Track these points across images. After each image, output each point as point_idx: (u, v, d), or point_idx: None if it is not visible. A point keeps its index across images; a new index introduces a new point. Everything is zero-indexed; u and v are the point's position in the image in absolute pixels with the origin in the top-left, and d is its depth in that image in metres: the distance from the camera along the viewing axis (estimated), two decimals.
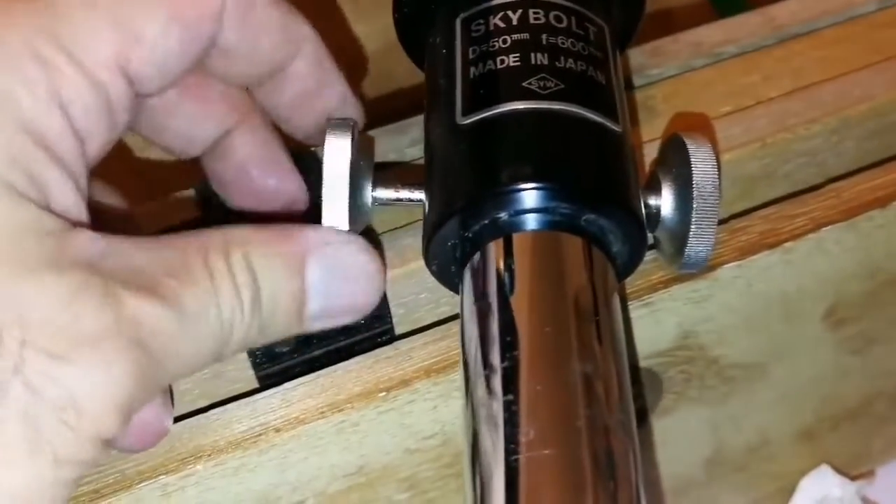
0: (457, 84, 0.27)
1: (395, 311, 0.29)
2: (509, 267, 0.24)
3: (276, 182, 0.28)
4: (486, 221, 0.25)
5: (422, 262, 0.27)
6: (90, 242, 0.21)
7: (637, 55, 0.35)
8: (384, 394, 0.26)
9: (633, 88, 0.34)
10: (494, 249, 0.25)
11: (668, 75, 0.35)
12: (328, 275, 0.25)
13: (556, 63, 0.26)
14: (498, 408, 0.22)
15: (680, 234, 0.27)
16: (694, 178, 0.26)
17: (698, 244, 0.26)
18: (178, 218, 0.30)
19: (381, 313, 0.28)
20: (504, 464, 0.21)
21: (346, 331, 0.28)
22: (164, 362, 0.22)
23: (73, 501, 0.25)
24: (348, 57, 0.40)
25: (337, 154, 0.26)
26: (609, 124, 0.26)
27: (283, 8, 0.26)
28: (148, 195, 0.32)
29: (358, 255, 0.25)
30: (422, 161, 0.29)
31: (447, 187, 0.26)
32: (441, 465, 0.29)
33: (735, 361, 0.33)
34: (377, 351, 0.27)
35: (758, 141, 0.31)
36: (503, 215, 0.25)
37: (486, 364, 0.23)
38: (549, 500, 0.21)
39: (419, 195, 0.27)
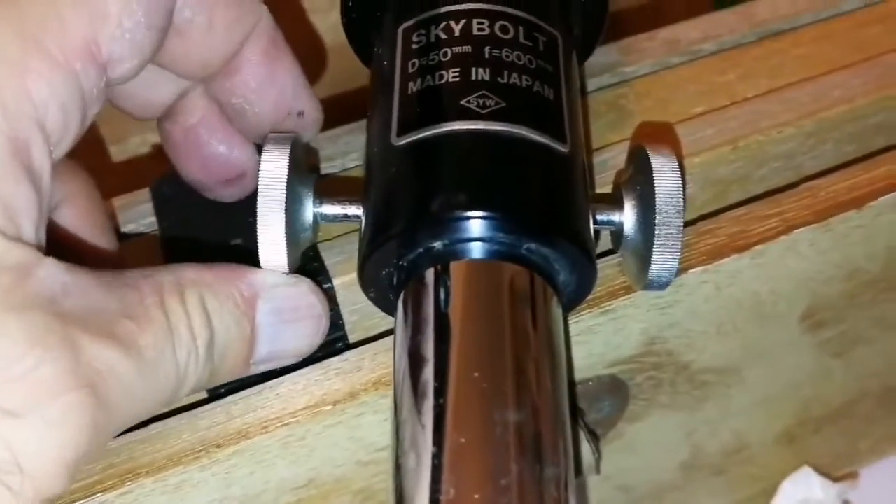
0: (394, 101, 0.24)
1: (349, 318, 0.26)
2: (444, 299, 0.22)
3: (227, 150, 0.27)
4: (421, 250, 0.22)
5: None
6: (52, 278, 0.19)
7: (611, 52, 0.33)
8: (330, 407, 0.24)
9: (600, 89, 0.32)
10: (429, 279, 0.22)
11: (641, 73, 0.32)
12: (276, 318, 0.23)
13: (499, 79, 0.23)
14: (423, 460, 0.20)
15: (643, 255, 0.24)
16: (657, 200, 0.23)
17: (661, 267, 0.24)
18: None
19: (334, 320, 0.26)
20: None
21: None
22: (118, 411, 0.20)
23: None
24: (318, 48, 0.38)
25: (271, 175, 0.23)
26: (554, 145, 0.23)
27: None
28: (123, 190, 0.30)
29: (305, 296, 0.24)
30: None
31: (381, 212, 0.23)
32: None
33: (707, 366, 0.30)
34: (325, 362, 0.25)
35: (729, 143, 0.29)
36: (438, 245, 0.22)
37: (415, 410, 0.21)
38: None
39: (350, 210, 0.25)
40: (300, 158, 0.24)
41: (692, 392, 0.31)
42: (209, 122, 0.27)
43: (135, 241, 0.29)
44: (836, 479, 0.37)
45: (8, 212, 0.19)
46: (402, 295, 0.23)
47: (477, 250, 0.22)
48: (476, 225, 0.21)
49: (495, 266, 0.22)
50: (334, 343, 0.26)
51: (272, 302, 0.23)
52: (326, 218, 0.24)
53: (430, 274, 0.22)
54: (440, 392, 0.20)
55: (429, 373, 0.21)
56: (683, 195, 0.24)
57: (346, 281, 0.26)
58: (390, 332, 0.26)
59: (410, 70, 0.24)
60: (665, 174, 0.23)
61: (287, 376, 0.25)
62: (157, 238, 0.28)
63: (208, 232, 0.28)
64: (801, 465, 0.37)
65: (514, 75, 0.23)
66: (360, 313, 0.27)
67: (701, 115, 0.30)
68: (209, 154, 0.27)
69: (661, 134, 0.29)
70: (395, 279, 0.23)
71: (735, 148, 0.29)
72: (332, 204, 0.24)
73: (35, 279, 0.19)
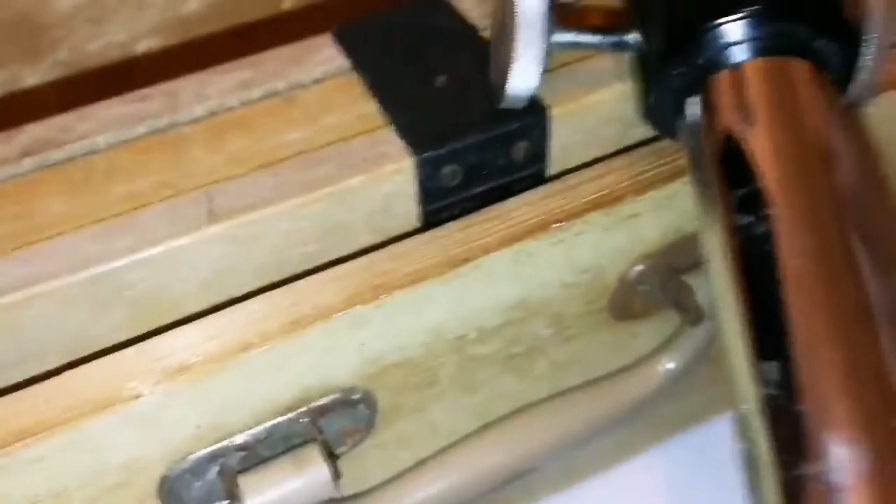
0: None
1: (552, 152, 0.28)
2: (745, 96, 0.23)
3: None
4: (719, 49, 0.23)
5: (577, 105, 0.27)
6: None
7: None
8: (559, 224, 0.26)
9: None
10: (725, 80, 0.24)
11: None
12: None
13: None
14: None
15: None
16: None
17: None
18: None
19: (539, 152, 0.27)
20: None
21: (504, 171, 0.27)
22: None
23: None
24: None
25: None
26: None
27: None
28: None
29: None
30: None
31: (675, 22, 0.24)
32: (586, 300, 0.29)
33: None
34: (547, 186, 0.27)
35: None
36: (741, 42, 0.23)
37: (741, 208, 0.22)
38: None
39: (598, 38, 0.26)
40: None
41: None
42: None
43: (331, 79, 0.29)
44: None
45: None
46: (694, 99, 0.24)
47: (768, 47, 0.23)
48: (775, 23, 0.23)
49: (787, 62, 0.23)
50: (534, 175, 0.28)
51: None
52: (561, 46, 0.25)
53: (726, 74, 0.24)
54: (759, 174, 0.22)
55: (742, 159, 0.22)
56: None
57: (553, 115, 0.27)
58: (587, 164, 0.28)
59: None
60: None
61: (513, 199, 0.26)
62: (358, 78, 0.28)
63: (408, 70, 0.28)
64: None
65: None
66: (560, 147, 0.28)
67: None
68: None
69: None
70: (682, 87, 0.24)
71: None
72: (567, 31, 0.25)
73: None
